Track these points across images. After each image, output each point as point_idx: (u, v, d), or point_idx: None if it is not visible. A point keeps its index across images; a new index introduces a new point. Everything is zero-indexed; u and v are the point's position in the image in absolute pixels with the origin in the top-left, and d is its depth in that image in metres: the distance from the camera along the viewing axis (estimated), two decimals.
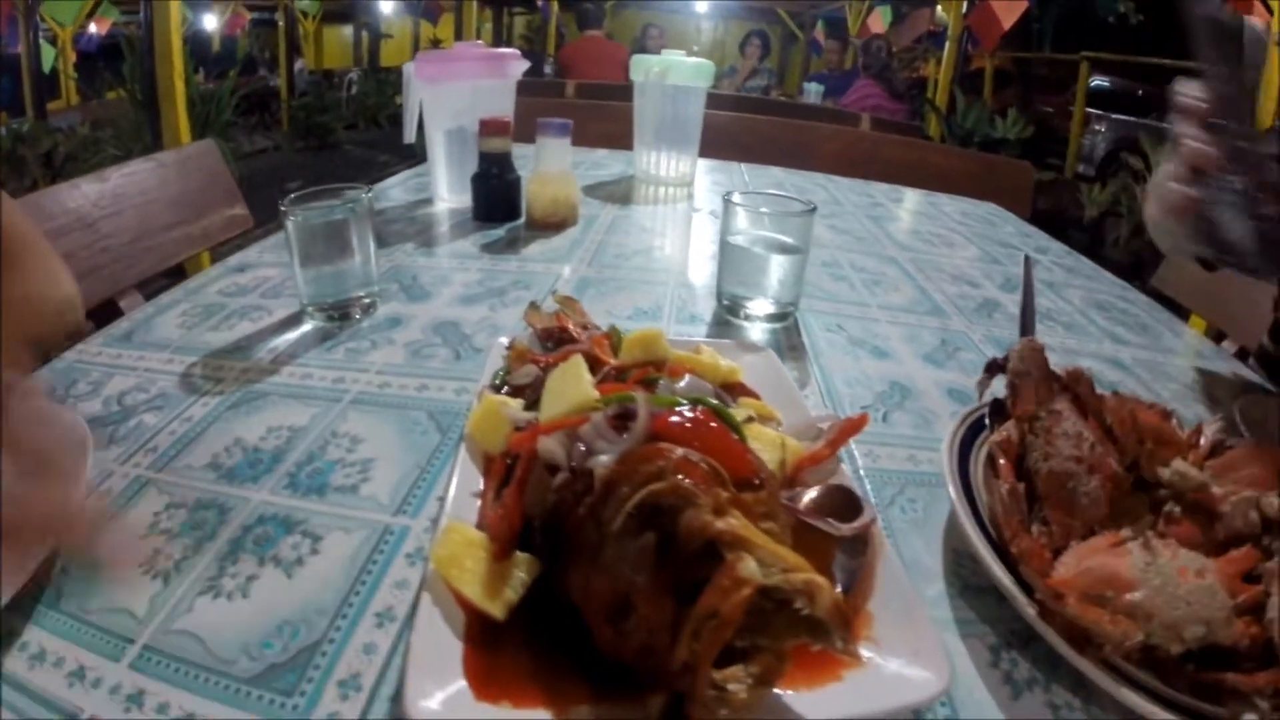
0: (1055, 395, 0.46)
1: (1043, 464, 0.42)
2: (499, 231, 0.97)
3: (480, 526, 0.35)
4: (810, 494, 0.35)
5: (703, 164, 1.56)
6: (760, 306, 0.73)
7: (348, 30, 9.94)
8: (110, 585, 0.37)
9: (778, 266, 0.71)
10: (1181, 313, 1.21)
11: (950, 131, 5.82)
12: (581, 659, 0.29)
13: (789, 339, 0.71)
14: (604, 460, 0.29)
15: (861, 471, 0.51)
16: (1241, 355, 1.05)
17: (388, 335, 0.67)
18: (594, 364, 0.43)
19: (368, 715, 0.31)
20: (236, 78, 5.09)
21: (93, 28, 5.97)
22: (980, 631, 0.38)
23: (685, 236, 1.06)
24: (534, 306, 0.60)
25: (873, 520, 0.35)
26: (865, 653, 0.30)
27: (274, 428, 0.52)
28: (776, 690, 0.28)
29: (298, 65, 8.20)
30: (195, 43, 7.42)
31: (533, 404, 0.42)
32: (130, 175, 1.05)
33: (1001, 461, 0.42)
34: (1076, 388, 0.47)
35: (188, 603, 0.36)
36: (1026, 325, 0.67)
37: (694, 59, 1.25)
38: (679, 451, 0.28)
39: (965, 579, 0.42)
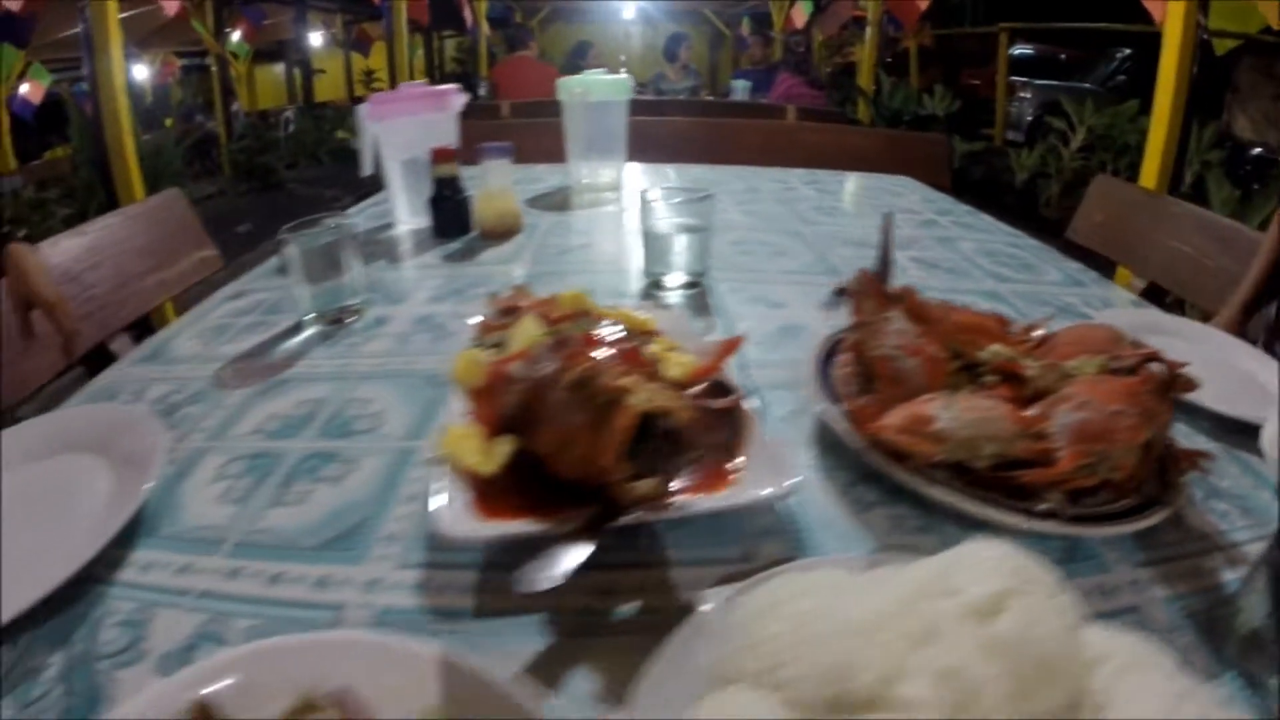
0: (889, 307, 0.61)
1: (872, 352, 0.57)
2: (456, 245, 1.12)
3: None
4: (700, 388, 0.51)
5: (633, 168, 1.71)
6: (674, 279, 0.90)
7: (279, 69, 9.94)
8: None
9: (684, 244, 0.88)
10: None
11: (879, 113, 6.06)
12: (547, 495, 0.44)
13: (698, 302, 0.88)
14: (547, 364, 0.46)
15: (757, 383, 0.67)
16: (1150, 294, 1.22)
17: (377, 332, 0.81)
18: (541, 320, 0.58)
19: (403, 562, 0.47)
20: (176, 126, 5.11)
21: (24, 89, 5.89)
22: (839, 475, 0.55)
23: (615, 233, 1.22)
24: (492, 295, 0.75)
25: (737, 399, 0.52)
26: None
27: (302, 401, 0.67)
28: (682, 497, 0.44)
29: (233, 107, 8.18)
30: (129, 96, 7.35)
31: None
32: (105, 228, 1.17)
33: (843, 354, 0.59)
34: (905, 301, 0.63)
35: (262, 513, 0.52)
36: (884, 269, 0.80)
37: (612, 76, 1.41)
38: (597, 350, 0.44)
39: (826, 442, 0.58)
